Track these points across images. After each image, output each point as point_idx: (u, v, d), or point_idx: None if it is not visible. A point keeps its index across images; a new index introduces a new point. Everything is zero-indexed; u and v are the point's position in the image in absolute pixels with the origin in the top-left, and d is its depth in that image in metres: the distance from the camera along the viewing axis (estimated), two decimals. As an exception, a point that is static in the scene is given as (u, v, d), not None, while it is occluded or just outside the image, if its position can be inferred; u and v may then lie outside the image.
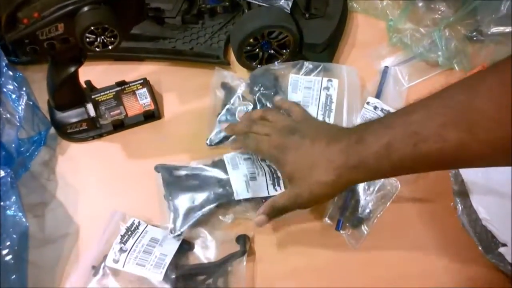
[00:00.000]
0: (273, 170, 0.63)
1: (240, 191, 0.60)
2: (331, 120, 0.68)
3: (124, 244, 0.56)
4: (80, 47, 0.55)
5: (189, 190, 0.61)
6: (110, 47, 0.55)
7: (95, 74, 0.73)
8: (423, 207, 0.64)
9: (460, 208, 0.61)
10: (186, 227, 0.59)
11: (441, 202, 0.64)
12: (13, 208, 0.54)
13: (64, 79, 0.61)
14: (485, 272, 0.59)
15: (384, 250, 0.61)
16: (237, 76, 0.73)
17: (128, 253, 0.55)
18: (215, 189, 0.61)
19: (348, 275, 0.59)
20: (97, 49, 0.54)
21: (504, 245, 0.57)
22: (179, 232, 0.59)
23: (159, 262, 0.55)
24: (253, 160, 0.63)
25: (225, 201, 0.61)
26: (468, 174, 0.62)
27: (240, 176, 0.61)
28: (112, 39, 0.55)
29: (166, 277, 0.54)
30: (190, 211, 0.60)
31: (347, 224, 0.62)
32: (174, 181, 0.62)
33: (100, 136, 0.69)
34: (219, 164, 0.64)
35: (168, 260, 0.55)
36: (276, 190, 0.61)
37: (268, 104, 0.68)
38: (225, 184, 0.61)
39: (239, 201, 0.61)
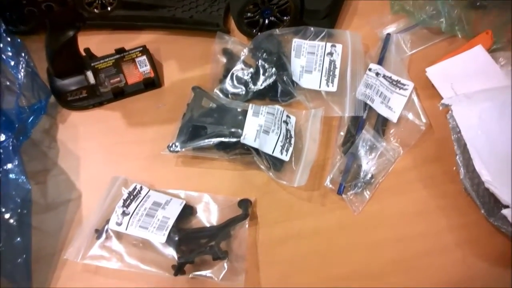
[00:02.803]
0: (289, 136, 0.63)
1: (248, 136, 0.61)
2: (334, 86, 0.68)
3: (127, 208, 0.56)
4: (77, 10, 0.54)
5: (205, 121, 0.63)
6: (109, 8, 0.54)
7: (94, 43, 0.73)
8: (425, 171, 0.64)
9: (462, 172, 0.61)
10: (186, 147, 0.61)
11: (443, 166, 0.64)
12: (15, 172, 0.54)
13: (62, 44, 0.60)
14: (488, 235, 0.60)
15: (386, 213, 0.61)
16: (239, 41, 0.72)
17: (131, 216, 0.56)
18: (228, 127, 0.62)
19: (350, 238, 0.59)
20: (95, 10, 0.53)
21: (507, 207, 0.57)
22: (177, 148, 0.60)
23: (162, 225, 0.55)
24: (275, 118, 0.63)
25: (231, 140, 0.61)
26: (471, 138, 0.61)
27: (255, 124, 0.61)
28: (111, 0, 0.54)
29: (169, 239, 0.54)
30: (195, 136, 0.61)
31: (349, 189, 0.62)
32: (198, 107, 0.64)
33: (100, 104, 0.69)
34: (246, 108, 0.64)
35: (171, 222, 0.55)
36: (281, 154, 0.61)
37: (271, 70, 0.67)
38: (238, 126, 0.62)
39: (243, 145, 0.61)
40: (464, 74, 0.70)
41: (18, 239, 0.52)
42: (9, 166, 0.54)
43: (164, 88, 0.71)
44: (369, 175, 0.62)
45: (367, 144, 0.64)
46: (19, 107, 0.62)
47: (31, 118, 0.64)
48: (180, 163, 0.64)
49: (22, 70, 0.62)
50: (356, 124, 0.66)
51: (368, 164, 0.63)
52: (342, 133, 0.66)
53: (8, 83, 0.61)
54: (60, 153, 0.65)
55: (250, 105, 0.64)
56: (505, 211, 0.57)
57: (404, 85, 0.69)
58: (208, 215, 0.59)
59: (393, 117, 0.67)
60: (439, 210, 0.61)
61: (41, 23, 0.63)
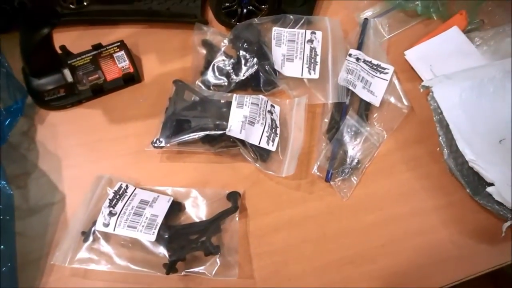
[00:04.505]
0: (274, 125, 0.62)
1: (234, 127, 0.60)
2: (316, 73, 0.67)
3: (113, 208, 0.55)
4: (52, 6, 0.52)
5: (188, 115, 0.62)
6: (85, 3, 0.52)
7: (70, 39, 0.70)
8: (409, 153, 0.65)
9: (446, 152, 0.62)
10: (170, 143, 0.60)
11: (427, 147, 0.65)
12: (-5, 177, 0.52)
13: (38, 42, 0.58)
14: (473, 213, 0.61)
15: (373, 197, 0.62)
16: (218, 32, 0.71)
17: (118, 216, 0.54)
18: (212, 119, 0.61)
19: (341, 223, 0.60)
20: (71, 5, 0.51)
21: (492, 184, 0.58)
22: (161, 144, 0.59)
23: (151, 223, 0.54)
24: (260, 108, 0.62)
25: (216, 133, 0.60)
26: (453, 118, 0.62)
27: (240, 115, 0.61)
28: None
29: (158, 238, 0.53)
30: (180, 131, 0.61)
31: (337, 175, 0.62)
32: (180, 101, 0.63)
33: (79, 102, 0.67)
34: (229, 99, 0.64)
35: (159, 220, 0.54)
36: (267, 144, 0.61)
37: (253, 60, 0.67)
38: (223, 118, 0.61)
39: (229, 137, 0.60)
40: (441, 55, 0.71)
41: (2, 246, 0.51)
42: (-12, 171, 0.52)
43: (144, 82, 0.70)
44: (356, 160, 0.63)
45: (351, 129, 0.64)
46: (-5, 109, 0.60)
47: (8, 121, 0.62)
48: (165, 159, 0.63)
49: (-4, 71, 0.60)
50: (340, 110, 0.66)
51: (353, 149, 0.63)
52: (326, 120, 0.66)
53: (-19, 85, 0.59)
54: (40, 155, 0.63)
55: (234, 96, 0.63)
56: (490, 189, 0.59)
57: (385, 69, 0.69)
58: (197, 210, 0.58)
59: (375, 101, 0.67)
60: (424, 191, 0.62)
61: (14, 21, 0.61)
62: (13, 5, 0.51)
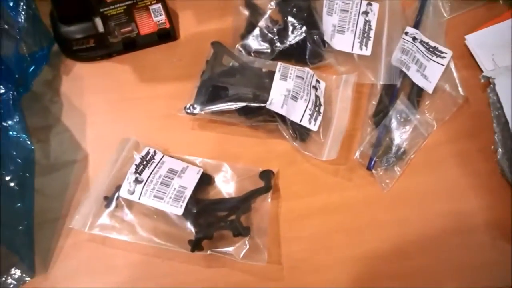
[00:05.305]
0: (318, 103, 0.57)
1: (275, 101, 0.55)
2: (368, 49, 0.62)
3: (140, 175, 0.51)
4: None
5: (226, 81, 0.57)
6: None
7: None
8: (459, 148, 0.60)
9: (500, 152, 0.57)
10: (205, 110, 0.56)
11: (479, 143, 0.60)
12: (16, 129, 0.48)
13: (71, -16, 0.53)
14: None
15: (415, 190, 0.57)
16: (265, -8, 0.65)
17: (145, 184, 0.51)
18: (252, 89, 0.56)
19: (377, 214, 0.56)
20: None
21: (548, 193, 0.54)
22: (195, 110, 0.56)
23: (179, 195, 0.50)
24: (305, 82, 0.57)
25: (255, 105, 0.56)
26: (514, 114, 0.57)
27: (283, 89, 0.56)
28: None
29: (186, 212, 0.50)
30: (216, 98, 0.56)
31: (380, 164, 0.57)
32: (218, 65, 0.59)
33: (109, 55, 0.62)
34: (271, 68, 0.59)
35: (188, 193, 0.51)
36: (309, 123, 0.56)
37: (301, 27, 0.61)
38: (264, 89, 0.56)
39: (268, 111, 0.56)
40: (506, 45, 0.65)
41: (19, 204, 0.47)
42: (9, 122, 0.48)
43: (179, 41, 0.65)
44: (402, 150, 0.58)
45: (401, 116, 0.59)
46: (19, 54, 0.55)
47: (32, 68, 0.58)
48: (197, 127, 0.59)
49: (23, 12, 0.55)
50: (390, 94, 0.61)
51: (400, 138, 0.59)
52: (374, 103, 0.61)
53: (6, 26, 0.54)
54: (64, 109, 0.60)
55: (278, 65, 0.58)
56: (546, 198, 0.54)
57: (442, 52, 0.63)
58: (227, 185, 0.55)
59: (428, 87, 0.61)
60: (471, 189, 0.58)
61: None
62: None
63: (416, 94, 0.61)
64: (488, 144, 0.59)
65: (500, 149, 0.57)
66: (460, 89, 0.62)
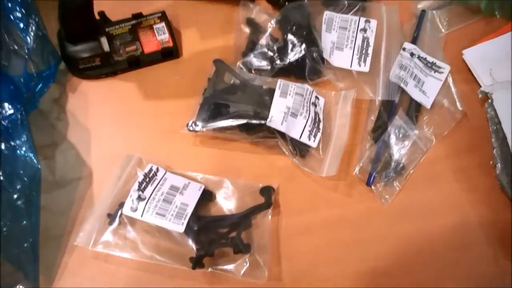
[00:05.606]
0: (317, 119, 0.58)
1: (275, 118, 0.56)
2: (366, 65, 0.62)
3: (143, 192, 0.52)
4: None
5: (227, 99, 0.59)
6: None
7: (109, 5, 0.66)
8: (458, 163, 0.60)
9: (499, 167, 0.57)
10: (207, 127, 0.57)
11: (478, 158, 0.60)
12: (23, 148, 0.50)
13: (78, 6, 0.55)
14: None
15: (415, 205, 0.58)
16: (265, 11, 0.66)
17: (147, 201, 0.52)
18: (252, 106, 0.58)
19: (378, 229, 0.56)
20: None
21: (547, 208, 0.54)
22: (197, 127, 0.57)
23: (180, 212, 0.51)
24: (304, 99, 0.58)
25: (255, 122, 0.57)
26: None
27: (282, 106, 0.57)
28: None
29: (187, 229, 0.51)
30: (217, 115, 0.57)
31: (379, 179, 0.58)
32: (219, 82, 0.60)
33: (114, 73, 0.64)
34: (271, 86, 0.60)
35: (189, 210, 0.52)
36: (309, 139, 0.57)
37: (300, 45, 0.62)
38: (264, 106, 0.57)
39: (268, 128, 0.57)
40: (504, 59, 0.65)
41: (25, 222, 0.49)
42: (17, 142, 0.49)
43: (182, 58, 0.66)
44: (401, 165, 0.59)
45: (399, 131, 0.60)
46: (28, 73, 0.57)
47: (39, 86, 0.59)
48: (199, 143, 0.60)
49: (32, 33, 0.56)
50: (388, 109, 0.62)
51: (399, 153, 0.59)
52: (373, 118, 0.62)
53: (16, 47, 0.56)
54: (70, 126, 0.61)
55: (278, 83, 0.59)
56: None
57: (440, 67, 0.64)
58: (228, 201, 0.55)
59: (426, 102, 0.62)
60: (470, 205, 0.58)
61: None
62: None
63: (414, 110, 0.62)
64: (488, 158, 0.59)
65: (499, 164, 0.58)
66: (458, 104, 0.62)
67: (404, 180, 0.59)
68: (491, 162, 0.59)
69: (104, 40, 0.62)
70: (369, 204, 0.57)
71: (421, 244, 0.56)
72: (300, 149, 0.57)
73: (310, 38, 0.63)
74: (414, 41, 0.66)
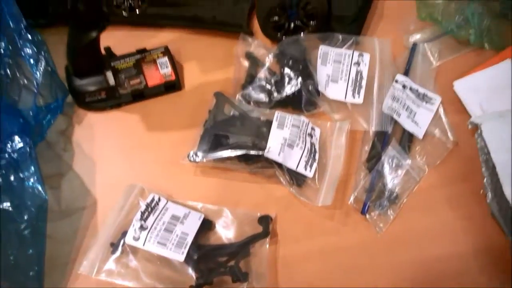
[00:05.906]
0: (313, 150, 0.60)
1: (272, 149, 0.59)
2: (360, 97, 0.65)
3: (145, 222, 0.54)
4: (103, 10, 0.52)
5: (227, 130, 0.61)
6: (137, 11, 0.52)
7: (114, 40, 0.69)
8: (451, 191, 0.62)
9: (490, 195, 0.59)
10: (207, 158, 0.59)
11: (470, 187, 0.61)
12: (31, 180, 0.52)
13: (85, 44, 0.58)
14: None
15: (409, 234, 0.59)
16: (263, 45, 0.69)
17: (149, 231, 0.54)
18: (251, 138, 0.60)
19: (374, 258, 0.58)
20: (123, 12, 0.51)
21: (536, 236, 0.56)
22: (198, 158, 0.59)
23: (181, 242, 0.53)
24: (300, 130, 0.61)
25: (254, 153, 0.59)
26: (501, 160, 0.59)
27: (279, 137, 0.59)
28: (140, 2, 0.51)
29: (187, 257, 0.53)
30: (217, 146, 0.60)
31: (373, 208, 0.60)
32: (220, 114, 0.63)
33: (118, 105, 0.67)
34: (269, 117, 0.63)
35: (190, 239, 0.53)
36: (305, 170, 0.59)
37: (296, 78, 0.65)
38: (262, 137, 0.60)
39: (266, 158, 0.59)
40: (493, 90, 0.67)
41: (31, 251, 0.51)
42: (26, 174, 0.52)
43: (184, 91, 0.69)
44: (394, 194, 0.60)
45: (392, 161, 0.62)
46: (36, 107, 0.60)
47: (47, 118, 0.62)
48: (199, 173, 0.63)
49: (41, 69, 0.60)
50: (382, 140, 0.64)
51: (393, 182, 0.61)
52: (367, 148, 0.64)
53: (26, 81, 0.59)
54: (75, 156, 0.63)
55: (275, 115, 0.62)
56: (534, 242, 0.56)
57: (431, 99, 0.66)
58: (227, 230, 0.57)
59: (419, 133, 0.64)
60: (464, 233, 0.59)
61: (62, 17, 0.60)
62: (65, 7, 0.50)
63: (407, 140, 0.64)
64: (480, 187, 0.60)
65: (489, 192, 0.59)
66: (449, 134, 0.65)
67: (398, 209, 0.60)
68: (481, 190, 0.60)
69: (109, 74, 0.65)
70: (364, 232, 0.59)
71: (416, 272, 0.57)
72: (297, 179, 0.60)
73: (306, 72, 0.66)
74: (406, 73, 0.69)
